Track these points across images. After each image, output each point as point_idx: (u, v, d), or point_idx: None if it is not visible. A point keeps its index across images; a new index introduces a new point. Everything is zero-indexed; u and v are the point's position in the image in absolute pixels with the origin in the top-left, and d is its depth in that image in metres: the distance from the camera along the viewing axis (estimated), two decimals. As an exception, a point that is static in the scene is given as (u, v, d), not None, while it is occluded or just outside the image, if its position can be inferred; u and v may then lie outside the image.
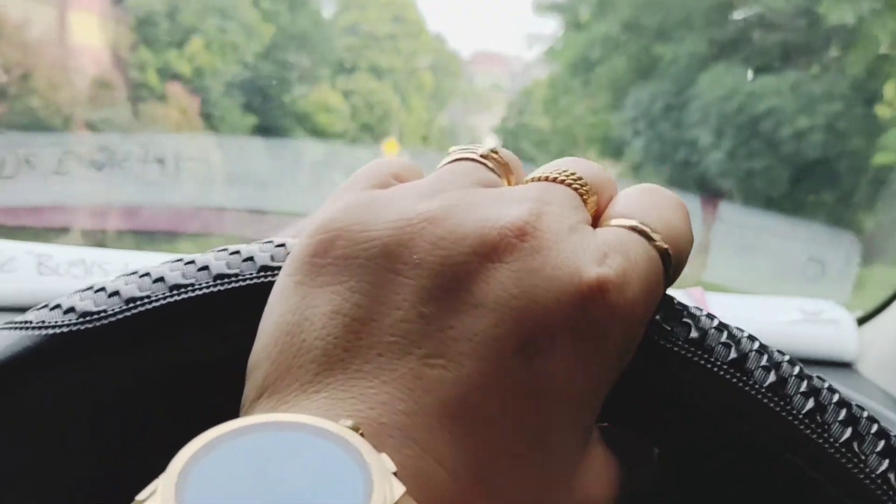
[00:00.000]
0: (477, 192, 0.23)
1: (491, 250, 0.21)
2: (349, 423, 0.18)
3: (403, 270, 0.21)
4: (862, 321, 0.79)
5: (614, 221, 0.23)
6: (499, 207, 0.21)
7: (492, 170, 0.24)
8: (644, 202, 0.24)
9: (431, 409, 0.19)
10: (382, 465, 0.17)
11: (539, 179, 0.24)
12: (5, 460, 0.24)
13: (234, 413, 0.20)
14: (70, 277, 0.72)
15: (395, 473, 0.17)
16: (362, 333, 0.20)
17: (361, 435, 0.17)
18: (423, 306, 0.20)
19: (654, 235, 0.23)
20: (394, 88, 7.55)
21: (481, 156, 0.24)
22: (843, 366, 0.76)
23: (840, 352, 0.76)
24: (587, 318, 0.20)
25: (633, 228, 0.23)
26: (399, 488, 0.17)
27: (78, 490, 0.25)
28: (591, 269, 0.21)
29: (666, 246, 0.23)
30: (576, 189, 0.24)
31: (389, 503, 0.16)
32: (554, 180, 0.24)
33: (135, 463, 0.20)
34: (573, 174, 0.24)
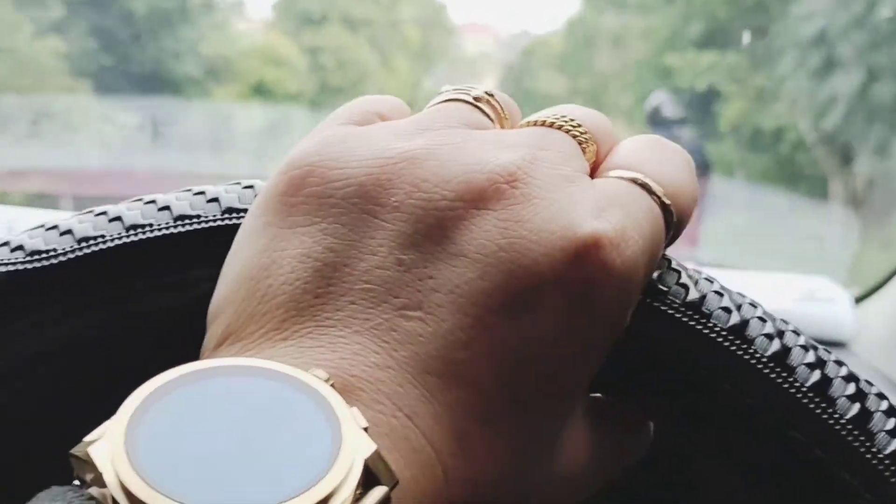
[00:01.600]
0: (466, 133, 0.22)
1: (477, 196, 0.20)
2: (321, 373, 0.18)
3: (380, 213, 0.20)
4: (859, 300, 0.79)
5: (614, 173, 0.22)
6: (489, 150, 0.21)
7: (485, 114, 0.24)
8: (647, 154, 0.23)
9: (407, 364, 0.19)
10: (354, 419, 0.17)
11: (535, 124, 0.23)
12: None
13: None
14: None
15: (366, 429, 0.17)
16: (334, 279, 0.20)
17: (332, 387, 0.17)
18: (401, 253, 0.20)
19: (656, 189, 0.22)
20: (371, 44, 6.53)
21: (475, 98, 0.24)
22: (838, 345, 0.75)
23: (835, 331, 0.76)
24: (579, 275, 0.20)
25: (634, 181, 0.22)
26: (370, 445, 0.17)
27: (26, 436, 0.25)
28: (586, 223, 0.20)
29: (668, 201, 0.22)
30: (574, 136, 0.23)
31: (359, 461, 0.16)
32: (551, 126, 0.23)
33: (89, 411, 0.20)
34: (572, 120, 0.23)
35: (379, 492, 0.16)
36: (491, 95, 0.24)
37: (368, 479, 0.16)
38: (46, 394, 0.25)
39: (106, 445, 0.16)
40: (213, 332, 0.21)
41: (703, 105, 5.27)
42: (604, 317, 0.20)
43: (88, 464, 0.16)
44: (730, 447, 0.23)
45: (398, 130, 0.22)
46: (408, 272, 0.20)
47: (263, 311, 0.20)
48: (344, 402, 0.17)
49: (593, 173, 0.23)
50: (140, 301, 0.24)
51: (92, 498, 0.15)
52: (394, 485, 0.17)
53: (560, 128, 0.23)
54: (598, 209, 0.20)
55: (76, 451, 0.16)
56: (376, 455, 0.17)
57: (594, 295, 0.20)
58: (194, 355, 0.19)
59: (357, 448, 0.16)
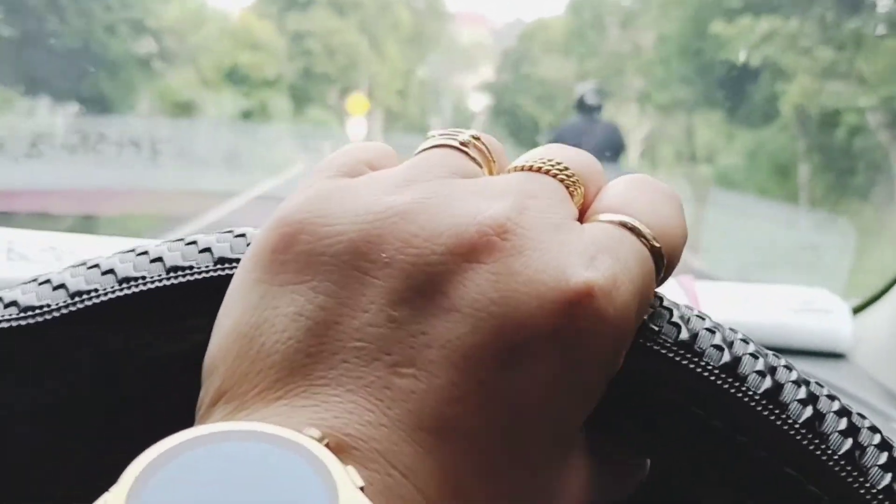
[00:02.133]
0: (454, 184, 0.22)
1: (468, 250, 0.20)
2: (314, 433, 0.18)
3: (371, 270, 0.20)
4: (857, 310, 0.78)
5: (603, 216, 0.22)
6: (478, 201, 0.21)
7: (472, 158, 0.24)
8: (635, 195, 0.23)
9: (400, 421, 0.19)
10: (350, 479, 0.17)
11: (522, 169, 0.23)
12: None
13: (194, 411, 0.20)
14: (40, 264, 0.68)
15: (362, 489, 0.17)
16: (326, 338, 0.20)
17: (327, 446, 0.17)
18: (392, 309, 0.20)
19: (645, 232, 0.22)
20: (361, 28, 6.07)
21: (461, 143, 0.24)
22: (836, 356, 0.73)
23: (834, 342, 0.73)
24: (572, 326, 0.20)
25: (623, 224, 0.22)
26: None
27: (26, 493, 0.25)
28: (578, 273, 0.20)
29: (658, 244, 0.22)
30: (562, 180, 0.23)
31: None
32: (538, 170, 0.23)
33: (90, 465, 0.21)
34: (559, 164, 0.23)
35: None
36: (477, 139, 0.24)
37: None
38: (44, 447, 0.25)
39: None
40: (207, 388, 0.21)
41: (746, 81, 4.76)
42: (597, 363, 0.21)
43: None
44: (725, 484, 0.23)
45: (387, 183, 0.22)
46: (400, 329, 0.20)
47: (257, 370, 0.20)
48: (339, 462, 0.17)
49: (582, 216, 0.23)
50: (134, 353, 0.25)
51: None
52: None
53: (547, 172, 0.23)
54: (588, 258, 0.20)
55: None
56: None
57: (587, 344, 0.20)
58: (190, 403, 0.20)
59: None
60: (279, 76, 4.94)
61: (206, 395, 0.21)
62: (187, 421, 0.18)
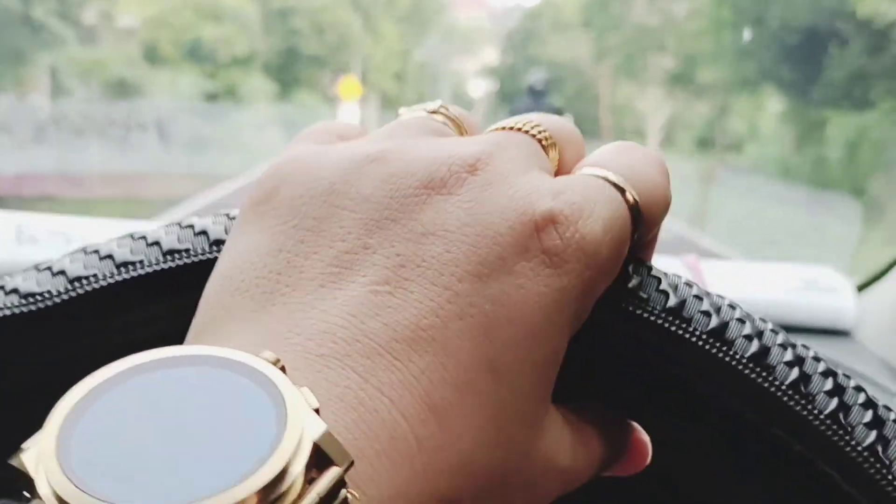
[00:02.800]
0: (428, 138, 0.24)
1: (440, 183, 0.22)
2: (268, 354, 0.18)
3: (349, 205, 0.21)
4: (861, 288, 0.80)
5: (584, 171, 0.23)
6: (449, 147, 0.23)
7: (442, 124, 0.25)
8: (617, 155, 0.24)
9: (375, 335, 0.19)
10: (302, 400, 0.17)
11: (497, 130, 0.24)
12: None
13: None
14: (50, 247, 0.70)
15: (317, 410, 0.17)
16: (304, 267, 0.21)
17: (282, 369, 0.18)
18: (368, 237, 0.21)
19: (621, 183, 0.23)
20: (353, 5, 5.51)
21: (430, 111, 0.25)
22: (841, 334, 0.77)
23: (838, 319, 0.77)
24: (540, 246, 0.21)
25: (598, 176, 0.23)
26: (319, 426, 0.16)
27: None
28: (544, 202, 0.21)
29: (634, 195, 0.23)
30: (534, 136, 0.24)
31: (307, 442, 0.16)
32: (511, 129, 0.24)
33: None
34: (535, 124, 0.24)
35: (333, 473, 0.16)
36: (445, 108, 0.26)
37: (322, 460, 0.16)
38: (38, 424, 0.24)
39: (35, 452, 0.16)
40: (188, 336, 0.22)
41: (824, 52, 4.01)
42: (567, 288, 0.22)
43: (24, 473, 0.16)
44: (714, 447, 0.24)
45: (363, 140, 0.24)
46: (375, 253, 0.21)
47: (235, 303, 0.21)
48: (290, 383, 0.17)
49: (560, 175, 0.24)
50: (130, 333, 0.26)
51: None
52: (349, 465, 0.17)
53: (520, 130, 0.24)
54: (555, 192, 0.22)
55: (12, 460, 0.16)
56: (327, 436, 0.17)
57: (556, 267, 0.21)
58: None
59: (305, 429, 0.16)
60: (252, 54, 4.43)
61: (187, 340, 0.22)
62: None
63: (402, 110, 0.25)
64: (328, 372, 0.18)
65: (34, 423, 0.23)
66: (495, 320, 0.20)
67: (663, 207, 0.24)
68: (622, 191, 0.23)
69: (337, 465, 0.16)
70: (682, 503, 0.27)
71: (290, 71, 4.97)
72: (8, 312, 0.25)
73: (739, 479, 0.25)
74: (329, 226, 0.21)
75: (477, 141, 0.23)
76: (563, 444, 0.23)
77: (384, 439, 0.18)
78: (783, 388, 0.22)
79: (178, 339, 0.22)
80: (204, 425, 0.16)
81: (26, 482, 0.16)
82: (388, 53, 5.35)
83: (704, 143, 5.42)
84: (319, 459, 0.16)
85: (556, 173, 0.24)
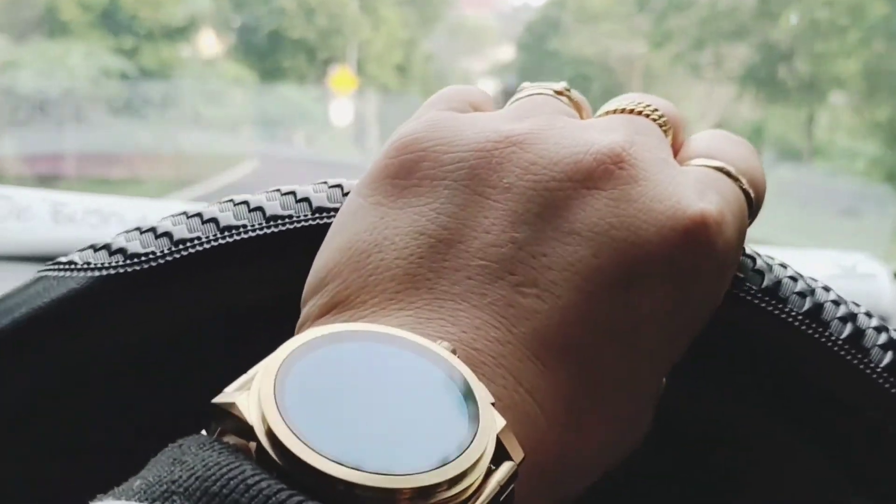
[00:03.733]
0: (564, 119, 0.24)
1: (586, 176, 0.22)
2: (446, 344, 0.19)
3: (492, 194, 0.21)
4: None
5: (697, 161, 0.25)
6: (591, 133, 0.23)
7: (567, 105, 0.26)
8: (722, 144, 0.25)
9: (524, 339, 0.20)
10: (487, 394, 0.18)
11: (617, 111, 0.25)
12: (58, 405, 0.27)
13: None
14: (87, 226, 0.71)
15: (492, 404, 0.18)
16: (449, 255, 0.21)
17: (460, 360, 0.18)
18: (514, 231, 0.21)
19: (739, 176, 0.24)
20: None
21: (556, 92, 0.26)
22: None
23: (876, 306, 0.78)
24: (687, 253, 0.21)
25: (720, 169, 0.24)
26: (500, 421, 0.18)
27: (127, 432, 0.28)
28: (693, 204, 0.22)
29: (750, 189, 0.24)
30: (656, 120, 0.25)
31: (493, 436, 0.17)
32: (632, 112, 0.25)
33: (184, 404, 0.23)
34: (653, 108, 0.25)
35: (508, 467, 0.18)
36: (568, 90, 0.26)
37: (497, 453, 0.17)
38: (132, 388, 0.28)
39: (254, 396, 0.17)
40: (314, 303, 0.22)
41: None
42: (705, 292, 0.22)
43: (229, 414, 0.17)
44: (806, 425, 0.24)
45: (500, 116, 0.24)
46: (521, 250, 0.21)
47: (376, 282, 0.21)
48: (475, 376, 0.18)
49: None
50: (229, 298, 0.27)
51: (238, 449, 0.16)
52: (521, 460, 0.18)
53: (641, 113, 0.25)
54: (699, 191, 0.22)
55: (220, 400, 0.17)
56: (506, 430, 0.18)
57: (698, 271, 0.22)
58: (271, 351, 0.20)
59: (492, 424, 0.18)
60: (193, 19, 3.61)
61: (311, 309, 0.22)
62: None
63: (525, 84, 0.26)
64: (484, 368, 0.19)
65: (138, 385, 0.27)
66: (637, 331, 0.21)
67: (765, 194, 0.25)
68: (739, 183, 0.24)
69: (511, 460, 0.18)
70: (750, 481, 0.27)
71: (272, 58, 4.14)
72: (113, 272, 0.25)
73: (826, 460, 0.24)
74: (472, 214, 0.21)
75: (615, 128, 0.23)
76: (645, 428, 0.23)
77: (534, 441, 0.19)
78: (878, 370, 0.23)
79: (284, 304, 0.24)
80: (404, 404, 0.17)
81: (221, 421, 0.17)
82: (389, 41, 4.53)
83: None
84: (495, 452, 0.17)
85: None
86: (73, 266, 0.26)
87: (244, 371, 0.18)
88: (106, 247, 0.26)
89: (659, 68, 5.72)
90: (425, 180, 0.22)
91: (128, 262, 0.25)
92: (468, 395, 0.17)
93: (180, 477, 0.16)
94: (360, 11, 4.78)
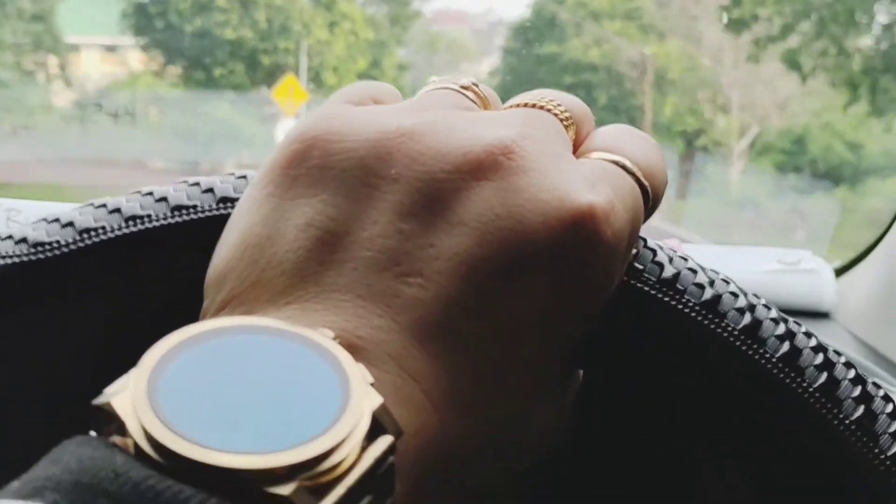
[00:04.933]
0: (459, 113, 0.25)
1: (475, 167, 0.22)
2: (327, 332, 0.20)
3: (380, 185, 0.22)
4: (840, 272, 0.88)
5: (595, 155, 0.26)
6: (483, 127, 0.24)
7: (472, 101, 0.27)
8: (623, 139, 0.26)
9: (409, 327, 0.21)
10: (362, 374, 0.19)
11: (520, 106, 0.26)
12: None
13: None
14: None
15: (371, 385, 0.19)
16: (337, 247, 0.22)
17: (339, 345, 0.20)
18: (401, 222, 0.22)
19: (635, 171, 0.25)
20: None
21: (462, 86, 0.27)
22: (820, 315, 0.83)
23: (818, 302, 0.82)
24: (573, 243, 0.22)
25: (616, 163, 0.25)
26: (377, 398, 0.19)
27: (34, 430, 0.27)
28: (581, 195, 0.22)
29: (646, 182, 0.25)
30: (556, 115, 0.26)
31: (367, 412, 0.18)
32: (534, 106, 0.26)
33: (91, 392, 0.23)
34: (556, 103, 0.26)
35: (384, 441, 0.18)
36: (476, 85, 0.27)
37: (374, 430, 0.18)
38: (51, 378, 0.28)
39: (128, 396, 0.18)
40: (213, 298, 0.23)
41: None
42: (593, 283, 0.23)
43: (110, 414, 0.18)
44: (702, 415, 0.25)
45: (395, 109, 0.25)
46: (408, 241, 0.22)
47: (268, 277, 0.22)
48: (352, 358, 0.19)
49: (574, 154, 0.26)
50: (135, 289, 0.27)
51: (115, 445, 0.18)
52: (398, 435, 0.19)
53: (543, 108, 0.26)
54: (589, 183, 0.23)
55: (98, 401, 0.18)
56: (382, 408, 0.19)
57: (586, 263, 0.22)
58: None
59: (365, 400, 0.18)
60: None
61: (210, 304, 0.23)
62: None
63: (433, 78, 0.28)
64: (367, 354, 0.20)
65: (47, 371, 0.27)
66: (523, 321, 0.22)
67: (664, 190, 0.26)
68: (636, 178, 0.25)
69: (389, 435, 0.19)
70: (657, 474, 0.28)
71: (198, 64, 3.19)
72: (17, 260, 0.26)
73: (726, 451, 0.25)
74: (360, 206, 0.22)
75: (508, 121, 0.24)
76: (551, 415, 0.24)
77: (418, 423, 0.20)
78: (773, 360, 0.23)
79: (189, 294, 0.24)
80: (277, 388, 0.18)
81: (106, 423, 0.18)
82: (351, 44, 3.57)
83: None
84: (372, 429, 0.18)
85: (572, 151, 0.27)
86: None
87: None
88: (10, 237, 0.27)
89: (674, 72, 4.89)
90: (314, 170, 0.23)
91: (31, 251, 0.26)
92: (343, 378, 0.19)
93: (53, 473, 0.17)
94: (312, 4, 3.82)
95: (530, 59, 6.12)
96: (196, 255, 0.25)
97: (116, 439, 0.17)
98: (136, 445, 0.17)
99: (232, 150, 3.94)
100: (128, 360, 0.21)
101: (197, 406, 0.17)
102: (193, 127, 3.69)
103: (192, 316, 0.23)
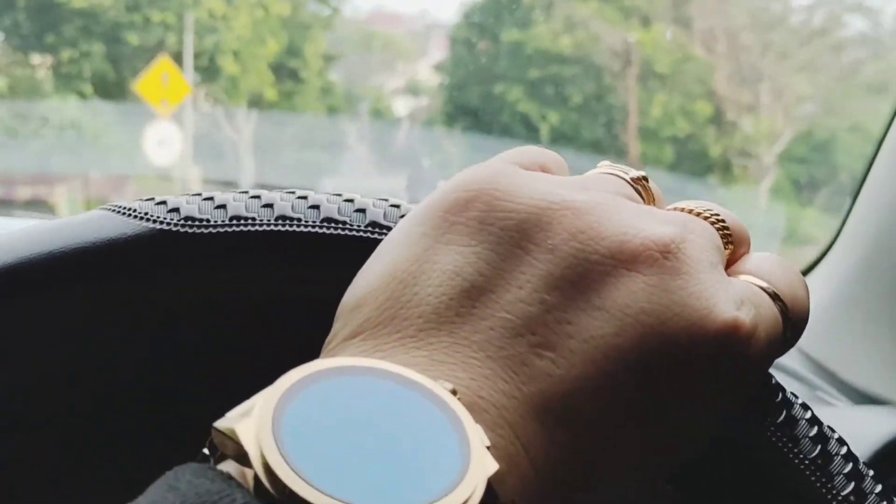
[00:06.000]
0: (623, 201, 0.26)
1: (630, 257, 0.23)
2: (448, 385, 0.20)
3: (534, 252, 0.23)
4: None
5: (745, 277, 0.26)
6: (646, 220, 0.24)
7: (639, 193, 0.28)
8: (775, 268, 0.27)
9: (531, 399, 0.21)
10: (480, 437, 0.19)
11: (683, 210, 0.27)
12: (104, 349, 0.29)
13: (313, 355, 0.23)
14: None
15: (488, 448, 0.19)
16: (478, 303, 0.22)
17: (459, 401, 0.20)
18: (545, 293, 0.22)
19: (782, 299, 0.26)
20: None
21: (632, 178, 0.28)
22: None
23: None
24: (712, 356, 0.22)
25: (764, 289, 0.26)
26: (493, 465, 0.19)
27: (144, 397, 0.30)
28: (728, 310, 0.23)
29: (791, 316, 0.26)
30: (718, 230, 0.26)
31: (484, 479, 0.18)
32: (698, 215, 0.27)
33: (206, 378, 0.27)
34: (719, 216, 0.27)
35: None
36: (645, 179, 0.27)
37: (487, 497, 0.18)
38: (173, 352, 0.29)
39: (253, 425, 0.17)
40: (345, 323, 0.24)
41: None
42: (720, 401, 0.23)
43: (231, 440, 0.18)
44: None
45: (562, 182, 0.26)
46: (548, 312, 0.22)
47: (405, 315, 0.22)
48: (472, 418, 0.19)
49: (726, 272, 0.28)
50: (271, 287, 0.27)
51: (230, 477, 0.18)
52: None
53: (706, 219, 0.26)
54: (738, 301, 0.23)
55: (220, 425, 0.18)
56: (499, 475, 0.19)
57: (718, 377, 0.22)
58: (306, 348, 0.23)
59: (482, 466, 0.18)
60: None
61: (342, 328, 0.24)
62: (292, 364, 0.21)
63: (602, 163, 0.28)
64: (485, 416, 0.21)
65: (171, 346, 0.28)
66: (645, 421, 0.22)
67: (805, 322, 0.27)
68: (781, 309, 0.25)
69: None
70: None
71: (41, 45, 2.28)
72: (167, 228, 0.27)
73: None
74: (510, 266, 0.23)
75: (671, 221, 0.25)
76: None
77: (523, 495, 0.20)
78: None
79: (317, 309, 0.25)
80: (398, 440, 0.18)
81: (223, 446, 0.18)
82: (258, 20, 2.63)
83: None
84: (486, 495, 0.18)
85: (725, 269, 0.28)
86: (132, 212, 0.27)
87: (275, 362, 0.20)
88: (163, 202, 0.28)
89: (663, 63, 4.12)
90: (473, 221, 0.23)
91: (182, 221, 0.27)
92: (462, 438, 0.18)
93: (172, 502, 0.16)
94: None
95: (485, 51, 5.30)
96: (333, 269, 0.25)
97: (231, 468, 0.18)
98: (256, 478, 0.17)
99: (77, 164, 3.00)
100: (253, 356, 0.26)
101: (317, 446, 0.17)
102: (27, 133, 2.77)
103: (319, 330, 0.24)
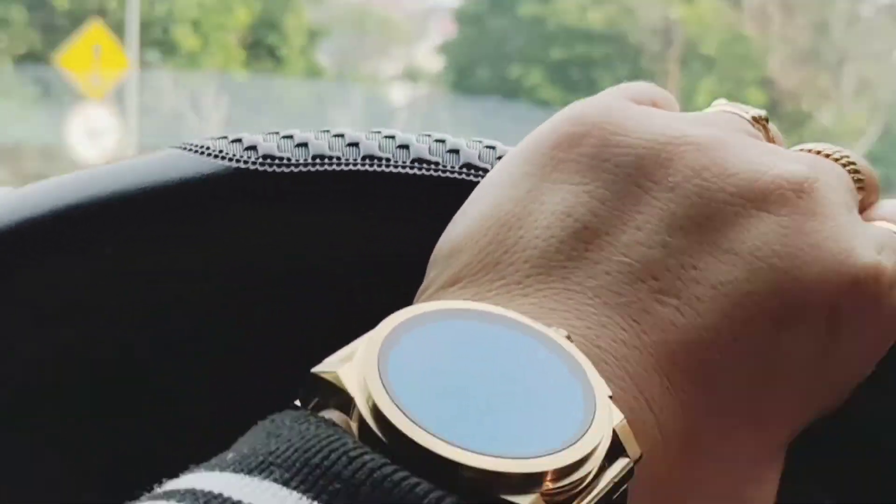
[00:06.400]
0: (748, 138, 0.24)
1: (760, 196, 0.22)
2: (563, 332, 0.20)
3: (653, 190, 0.22)
4: None
5: (882, 224, 0.25)
6: (775, 158, 0.23)
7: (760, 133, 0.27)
8: None
9: (654, 349, 0.20)
10: (604, 387, 0.19)
11: (811, 151, 0.26)
12: (183, 291, 0.28)
13: (398, 306, 0.22)
14: None
15: (611, 398, 0.19)
16: (592, 245, 0.21)
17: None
18: (667, 235, 0.21)
19: None
20: None
21: (753, 117, 0.26)
22: None
23: None
24: (849, 303, 0.22)
25: None
26: (618, 415, 0.18)
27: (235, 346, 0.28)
28: (868, 254, 0.22)
29: None
30: (851, 175, 0.25)
31: (610, 429, 0.18)
32: (828, 156, 0.25)
33: (280, 329, 0.26)
34: (850, 159, 0.25)
35: (623, 463, 0.18)
36: (766, 120, 0.26)
37: (612, 448, 0.18)
38: (253, 301, 0.29)
39: (357, 369, 0.17)
40: (441, 271, 0.23)
41: None
42: (857, 353, 0.23)
43: (333, 386, 0.17)
44: None
45: (680, 117, 0.25)
46: (671, 256, 0.21)
47: (509, 261, 0.21)
48: (594, 367, 0.19)
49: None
50: (356, 232, 0.28)
51: (334, 424, 0.17)
52: (637, 459, 0.18)
53: (837, 160, 0.25)
54: (878, 245, 0.23)
55: (320, 370, 0.18)
56: (624, 426, 0.18)
57: (856, 327, 0.22)
58: (401, 301, 0.22)
59: (607, 416, 0.18)
60: None
61: (438, 276, 0.23)
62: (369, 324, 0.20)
63: (720, 101, 0.27)
64: (604, 367, 0.20)
65: (250, 290, 0.27)
66: (775, 374, 0.21)
67: None
68: None
69: (627, 457, 0.18)
70: None
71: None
72: (244, 166, 0.26)
73: None
74: (627, 206, 0.22)
75: (801, 160, 0.24)
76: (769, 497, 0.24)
77: (646, 453, 0.20)
78: None
79: (418, 249, 0.24)
80: (514, 386, 0.18)
81: (324, 395, 0.18)
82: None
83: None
84: (611, 447, 0.18)
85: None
86: (206, 150, 0.27)
87: (345, 324, 0.20)
88: (238, 140, 0.27)
89: (710, 44, 3.53)
90: (585, 157, 0.22)
91: (260, 160, 0.26)
92: (585, 386, 0.18)
93: (277, 448, 0.16)
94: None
95: (498, 27, 4.63)
96: (424, 214, 0.25)
97: (335, 415, 0.18)
98: (361, 424, 0.17)
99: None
100: (317, 307, 0.25)
101: (428, 391, 0.17)
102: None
103: (409, 282, 0.24)
